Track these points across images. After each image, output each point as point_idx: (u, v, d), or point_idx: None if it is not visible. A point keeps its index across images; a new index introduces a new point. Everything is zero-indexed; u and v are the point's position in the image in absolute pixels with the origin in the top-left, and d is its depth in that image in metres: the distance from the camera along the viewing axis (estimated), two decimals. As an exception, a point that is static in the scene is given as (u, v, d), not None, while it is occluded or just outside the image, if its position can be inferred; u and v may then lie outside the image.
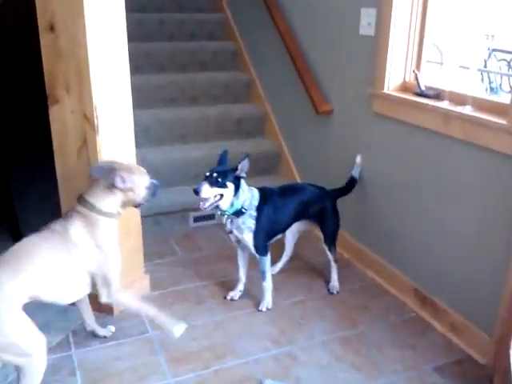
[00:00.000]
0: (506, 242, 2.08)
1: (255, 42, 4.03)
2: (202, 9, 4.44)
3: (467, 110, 2.27)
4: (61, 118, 2.29)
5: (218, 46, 4.20)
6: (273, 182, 3.60)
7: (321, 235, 2.70)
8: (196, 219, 3.35)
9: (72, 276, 1.99)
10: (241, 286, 2.65)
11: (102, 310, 2.48)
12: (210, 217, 3.38)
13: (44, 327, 2.36)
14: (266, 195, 2.48)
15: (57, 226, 1.99)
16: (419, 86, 2.53)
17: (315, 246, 3.03)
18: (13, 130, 3.83)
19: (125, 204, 2.12)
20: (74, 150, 2.31)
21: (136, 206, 2.22)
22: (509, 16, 2.65)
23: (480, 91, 2.54)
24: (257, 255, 2.48)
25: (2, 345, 1.73)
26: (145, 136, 3.46)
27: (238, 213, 2.38)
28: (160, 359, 2.21)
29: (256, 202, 2.42)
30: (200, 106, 3.86)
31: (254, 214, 2.41)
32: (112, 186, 2.03)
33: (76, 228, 1.99)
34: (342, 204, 2.78)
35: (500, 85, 3.36)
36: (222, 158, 2.44)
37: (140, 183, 2.11)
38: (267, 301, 2.56)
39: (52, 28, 2.16)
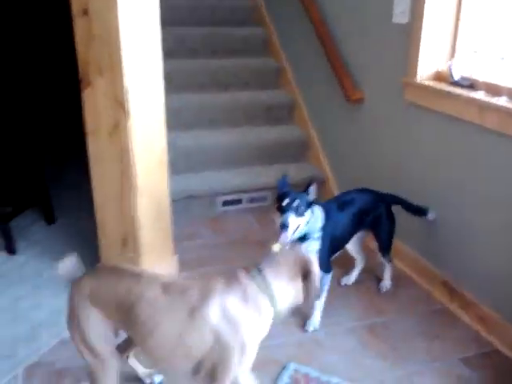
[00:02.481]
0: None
1: (287, 28, 4.00)
2: (233, -6, 4.43)
3: (503, 101, 2.22)
4: (93, 102, 2.32)
5: (249, 31, 4.19)
6: (301, 170, 3.61)
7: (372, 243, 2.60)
8: (225, 203, 3.38)
9: None
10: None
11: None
12: (239, 201, 3.40)
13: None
14: (327, 213, 2.28)
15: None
16: (453, 76, 2.48)
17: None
18: (48, 114, 3.91)
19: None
20: (106, 133, 2.34)
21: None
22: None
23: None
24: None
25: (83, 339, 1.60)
26: (175, 120, 3.46)
27: (302, 238, 2.21)
28: (187, 340, 2.24)
29: (320, 224, 2.23)
30: (230, 91, 3.87)
31: (318, 235, 2.23)
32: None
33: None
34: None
35: (537, 75, 3.27)
36: (283, 183, 2.24)
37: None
38: (315, 321, 2.35)
39: (85, 12, 2.19)
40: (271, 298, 1.54)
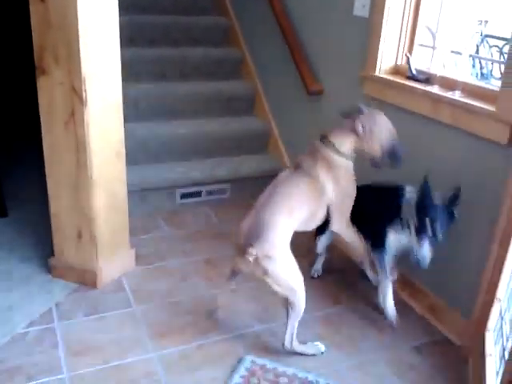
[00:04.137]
0: (487, 227, 2.11)
1: (248, 19, 3.99)
2: (195, -17, 4.37)
3: (456, 95, 2.28)
4: (48, 90, 2.26)
5: (210, 21, 4.15)
6: (260, 162, 3.62)
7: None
8: (183, 196, 3.35)
9: (317, 209, 2.19)
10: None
11: (86, 282, 2.50)
12: (197, 194, 3.39)
13: (28, 299, 2.40)
14: None
15: (308, 168, 2.18)
16: (410, 70, 2.53)
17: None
18: (2, 102, 3.78)
19: (361, 152, 2.19)
20: (62, 123, 2.29)
21: (374, 166, 2.22)
22: (503, 2, 2.64)
23: (471, 77, 2.54)
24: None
25: (279, 279, 2.00)
26: (134, 110, 3.42)
27: None
28: (143, 333, 2.23)
29: None
30: (191, 81, 3.83)
31: None
32: (352, 130, 2.15)
33: (323, 173, 2.15)
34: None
35: (491, 71, 3.35)
36: (427, 190, 2.07)
37: (377, 138, 2.15)
38: (390, 312, 2.38)
39: (42, -2, 2.13)
40: (341, 154, 2.17)
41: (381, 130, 2.15)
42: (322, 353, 2.18)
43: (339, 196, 2.18)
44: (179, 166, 3.44)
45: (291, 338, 2.12)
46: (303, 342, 2.19)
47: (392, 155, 2.17)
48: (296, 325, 2.10)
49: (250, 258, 1.93)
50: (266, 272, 1.98)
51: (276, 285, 2.01)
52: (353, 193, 2.23)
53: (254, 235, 1.97)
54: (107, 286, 2.52)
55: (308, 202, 2.16)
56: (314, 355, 2.17)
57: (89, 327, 2.24)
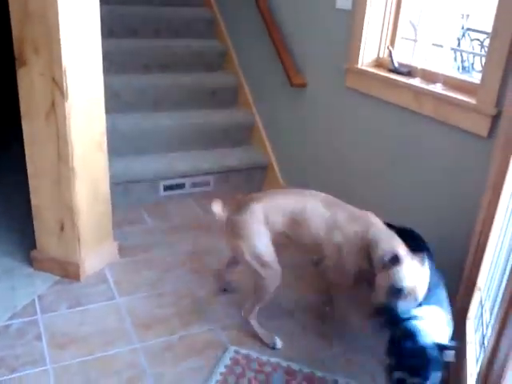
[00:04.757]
0: (468, 217, 2.14)
1: (231, 10, 3.97)
2: (178, -26, 4.34)
3: (438, 88, 2.31)
4: (28, 81, 2.23)
5: (193, 12, 4.12)
6: (244, 154, 3.62)
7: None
8: (166, 188, 3.34)
9: (304, 235, 2.11)
10: None
11: (69, 275, 2.48)
12: (181, 186, 3.38)
13: (10, 291, 2.38)
14: None
15: (341, 216, 2.07)
16: (393, 63, 2.55)
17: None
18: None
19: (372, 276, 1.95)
20: (42, 114, 2.26)
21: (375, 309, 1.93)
22: (484, -4, 2.67)
23: (452, 70, 2.57)
24: None
25: (245, 260, 2.09)
26: (116, 102, 3.39)
27: None
28: (127, 325, 2.23)
29: None
30: (173, 73, 3.80)
31: None
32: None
33: (349, 233, 2.03)
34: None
35: (472, 64, 3.39)
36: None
37: (388, 277, 1.85)
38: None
39: (21, -13, 2.10)
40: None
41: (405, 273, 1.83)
42: (274, 348, 2.16)
43: (339, 264, 2.06)
44: (162, 157, 3.42)
45: (249, 312, 2.18)
46: (287, 335, 2.21)
47: (391, 298, 1.85)
48: (257, 306, 2.16)
49: (215, 209, 2.17)
50: (235, 247, 2.11)
51: (244, 265, 2.13)
52: (344, 278, 2.09)
53: (238, 205, 2.15)
54: (90, 278, 2.51)
55: (297, 219, 2.07)
56: (267, 345, 2.17)
57: (72, 319, 2.23)
